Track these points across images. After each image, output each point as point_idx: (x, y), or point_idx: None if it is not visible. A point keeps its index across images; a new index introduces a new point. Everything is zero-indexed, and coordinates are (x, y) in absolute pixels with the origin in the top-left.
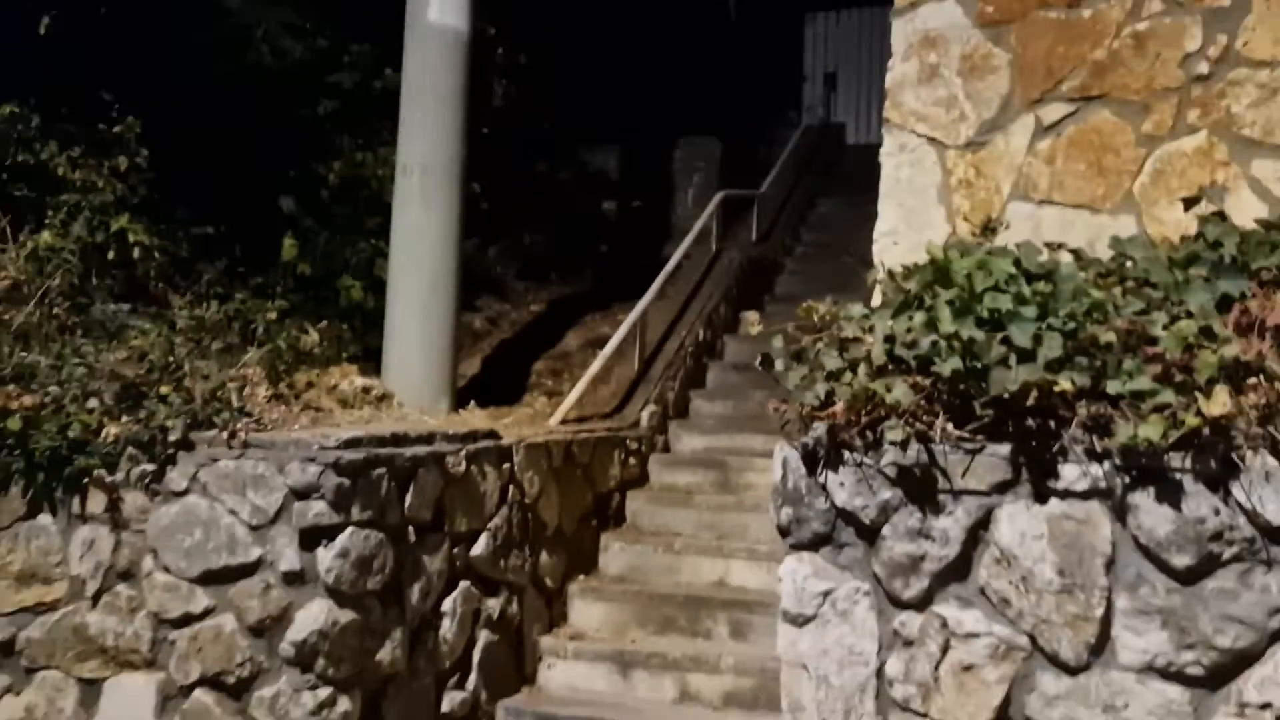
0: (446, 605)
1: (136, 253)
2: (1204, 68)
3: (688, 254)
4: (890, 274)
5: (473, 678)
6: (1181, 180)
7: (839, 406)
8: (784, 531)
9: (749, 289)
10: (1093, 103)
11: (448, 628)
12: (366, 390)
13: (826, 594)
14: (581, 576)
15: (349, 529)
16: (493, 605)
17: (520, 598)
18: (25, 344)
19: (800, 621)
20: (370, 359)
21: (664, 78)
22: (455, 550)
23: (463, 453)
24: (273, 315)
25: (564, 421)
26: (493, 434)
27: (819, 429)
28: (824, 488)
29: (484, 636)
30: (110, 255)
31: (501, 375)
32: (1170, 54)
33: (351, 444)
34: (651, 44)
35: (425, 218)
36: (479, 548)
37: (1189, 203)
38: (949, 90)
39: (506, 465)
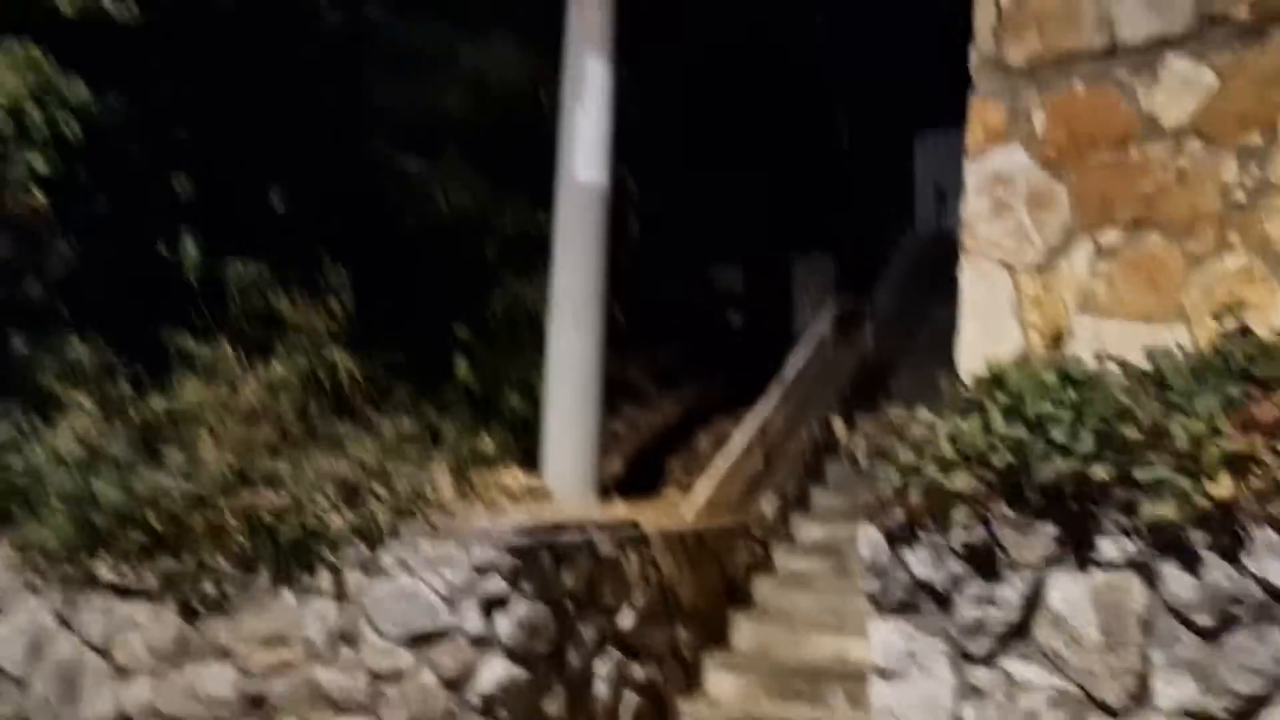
0: (599, 668)
1: (345, 378)
2: (1241, 196)
3: (807, 361)
4: (957, 382)
5: None
6: (1225, 295)
7: (913, 495)
8: (873, 600)
9: (865, 391)
10: (1144, 229)
11: (600, 688)
12: (528, 487)
13: (910, 653)
14: (715, 649)
15: (520, 600)
16: (638, 671)
17: (661, 666)
18: (270, 455)
19: (889, 677)
20: (529, 460)
21: (783, 199)
22: (605, 621)
23: (611, 539)
24: (454, 428)
25: (697, 513)
26: (635, 524)
27: (898, 513)
28: (904, 563)
29: (630, 698)
30: (325, 382)
31: (640, 472)
32: (1210, 185)
33: (521, 531)
34: (771, 169)
35: (574, 340)
36: (625, 620)
37: (1217, 317)
38: (1018, 221)
39: (647, 550)
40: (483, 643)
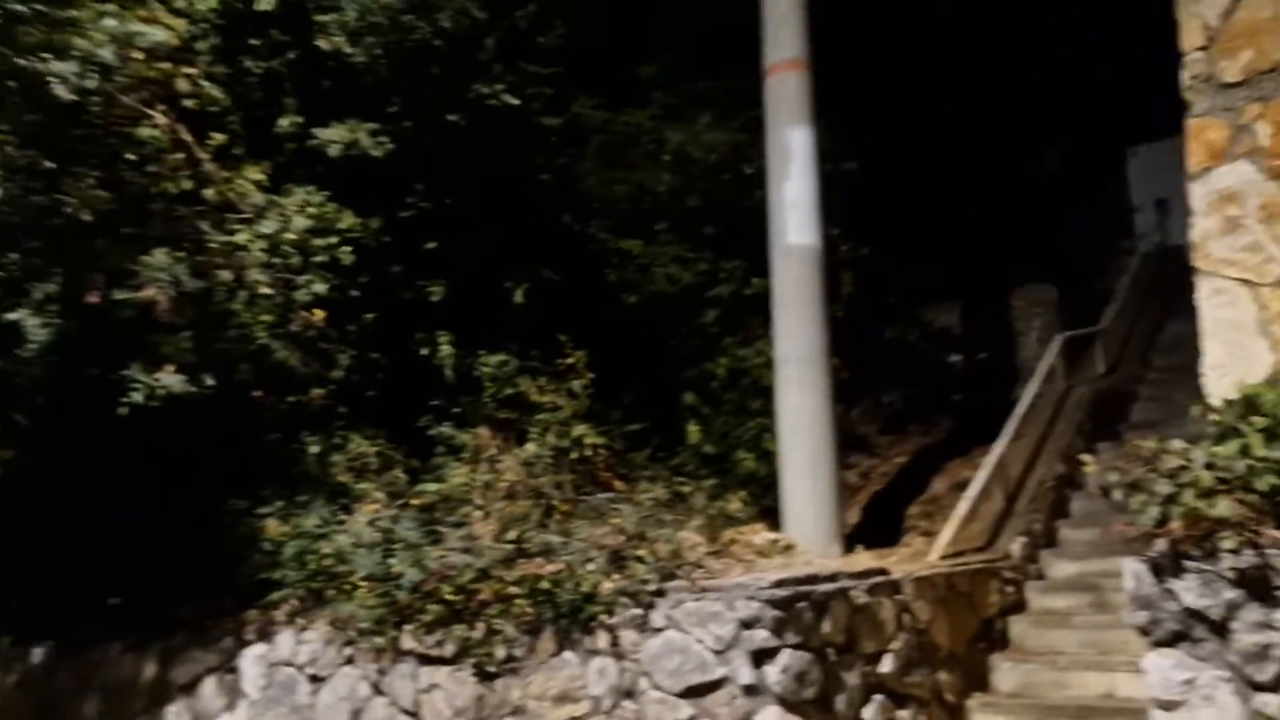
0: (866, 714)
1: (589, 451)
2: None
3: (1038, 394)
4: (1206, 408)
5: None
6: None
7: (1175, 524)
8: (1143, 631)
9: (1102, 420)
10: None
11: None
12: (774, 542)
13: (1189, 682)
14: (977, 693)
15: (785, 650)
16: (903, 716)
17: (926, 710)
18: (536, 527)
19: (1170, 708)
20: (767, 516)
21: (990, 234)
22: (866, 668)
23: (863, 587)
24: (700, 490)
25: (942, 557)
26: (884, 571)
27: (1160, 544)
28: (1172, 593)
29: None
30: (573, 456)
31: (879, 521)
32: None
33: (779, 584)
34: (976, 206)
35: (802, 399)
36: (885, 666)
37: None
38: (1253, 237)
39: (899, 596)
40: (754, 691)
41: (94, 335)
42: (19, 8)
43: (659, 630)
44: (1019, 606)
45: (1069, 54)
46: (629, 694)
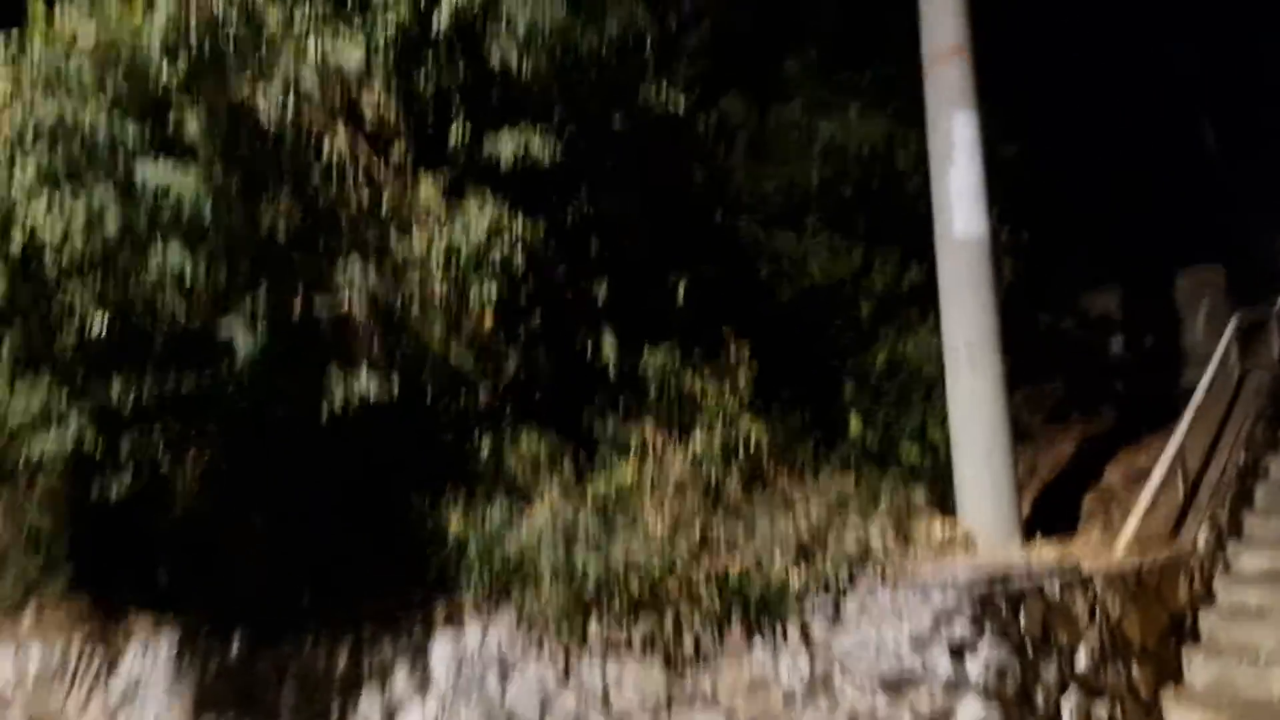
0: (1064, 707)
1: (754, 446)
2: None
3: (1214, 380)
4: None
5: None
6: None
7: None
8: None
9: None
10: None
11: None
12: (953, 534)
13: None
14: (1171, 687)
15: (985, 644)
16: (1100, 710)
17: (1121, 704)
18: (708, 522)
19: None
20: (934, 507)
21: (1147, 216)
22: (1062, 662)
23: (1056, 581)
24: (881, 483)
25: (1128, 549)
26: (1075, 564)
27: None
28: None
29: None
30: (740, 450)
31: (1052, 511)
32: None
33: (975, 578)
34: (1132, 188)
35: (975, 384)
36: (1081, 660)
37: None
38: None
39: (1090, 591)
40: (955, 686)
41: (295, 345)
42: (230, 40)
43: (852, 623)
44: (1208, 599)
45: (1226, 30)
46: (824, 686)
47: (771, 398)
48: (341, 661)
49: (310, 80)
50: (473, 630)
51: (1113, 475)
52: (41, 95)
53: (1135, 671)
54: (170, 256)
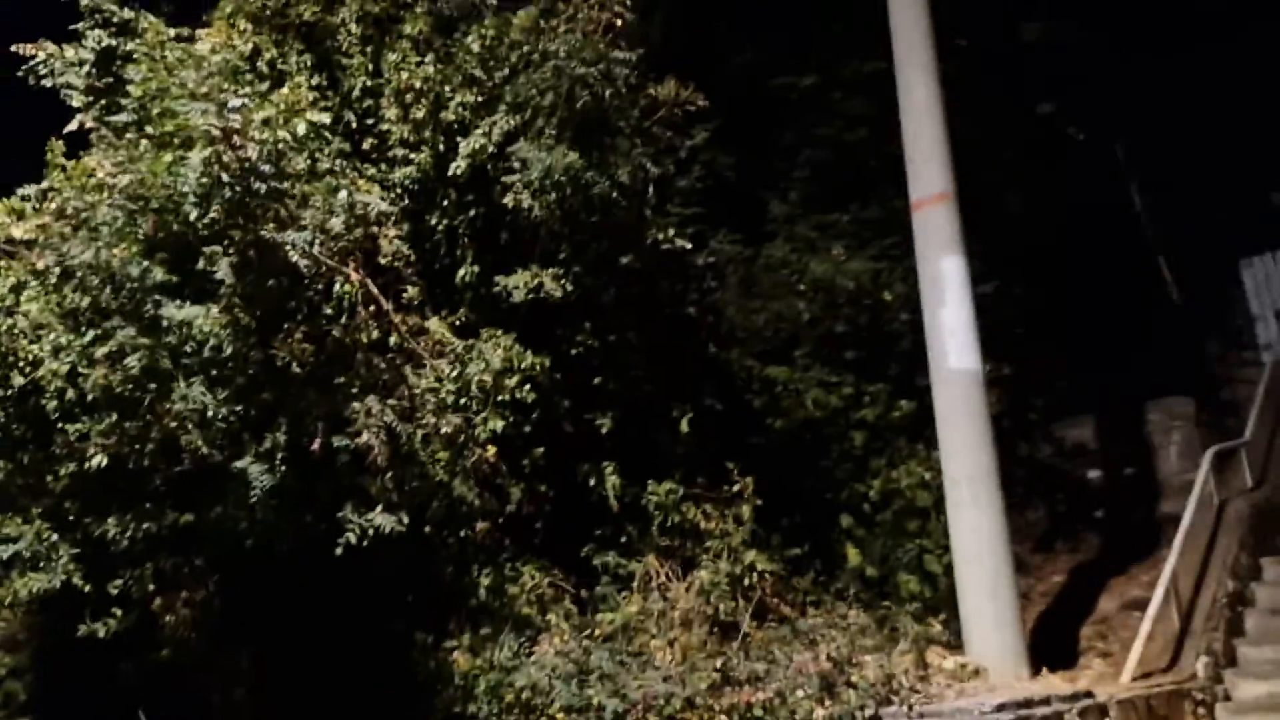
0: None
1: (756, 577)
2: None
3: (1196, 509)
4: None
5: None
6: None
7: None
8: None
9: (1262, 533)
10: None
11: None
12: (963, 665)
13: None
14: None
15: None
16: None
17: None
18: (717, 654)
19: None
20: (936, 638)
21: (1112, 353)
22: None
23: (1075, 710)
24: (903, 618)
25: (1133, 678)
26: (1090, 694)
27: None
28: None
29: None
30: (745, 582)
31: (1052, 641)
32: None
33: (1001, 709)
34: (1100, 324)
35: (978, 519)
36: None
37: None
38: None
39: (1106, 719)
40: None
41: (311, 480)
42: (260, 185)
43: None
44: None
45: (1185, 166)
46: None
47: (771, 528)
48: None
49: (338, 223)
50: None
51: (1106, 604)
52: (74, 236)
53: None
54: (193, 391)
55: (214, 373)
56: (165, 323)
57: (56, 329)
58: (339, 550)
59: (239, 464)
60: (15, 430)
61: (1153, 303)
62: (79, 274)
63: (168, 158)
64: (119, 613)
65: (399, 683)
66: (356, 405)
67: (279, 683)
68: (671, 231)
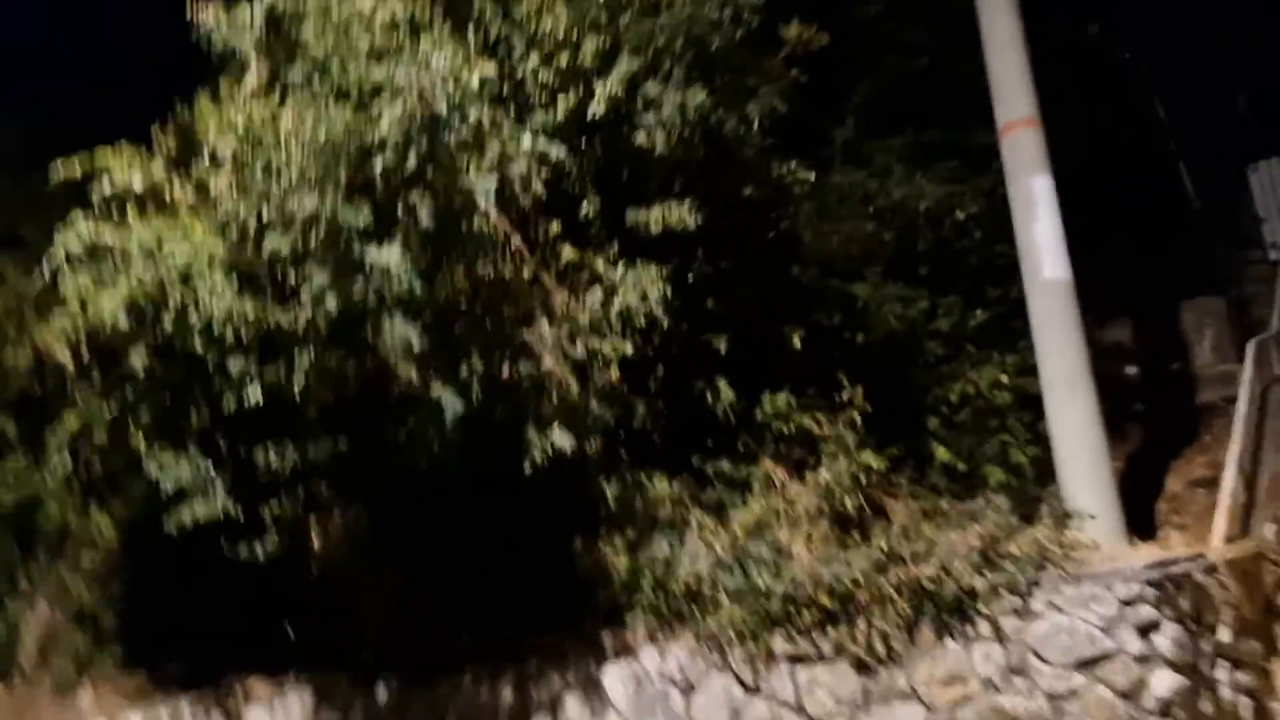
0: (1219, 676)
1: (868, 475)
2: None
3: (1249, 396)
4: None
5: None
6: None
7: None
8: None
9: None
10: None
11: (1225, 693)
12: (1077, 539)
13: None
14: (1274, 659)
15: (1167, 623)
16: (1240, 676)
17: (1250, 672)
18: (847, 544)
19: None
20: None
21: (1143, 258)
22: (1212, 637)
23: (1198, 568)
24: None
25: (1223, 543)
26: (1203, 555)
27: None
28: None
29: (1244, 701)
30: (860, 479)
31: (1132, 519)
32: None
33: (1150, 568)
34: (1140, 226)
35: (1075, 413)
36: (1223, 635)
37: None
38: None
39: (1218, 577)
40: (1146, 660)
41: (496, 404)
42: (449, 136)
43: (1041, 615)
44: None
45: (1195, 84)
46: (1019, 671)
47: (868, 432)
48: (507, 696)
49: (519, 168)
50: (648, 654)
51: (1173, 484)
52: (275, 186)
53: (1254, 645)
54: (399, 326)
55: (412, 309)
56: (368, 265)
57: (216, 277)
58: (527, 469)
59: (433, 392)
60: (170, 374)
61: (1176, 209)
62: (278, 223)
63: (352, 111)
64: (273, 537)
65: (556, 586)
66: (528, 334)
67: (435, 589)
68: (794, 163)
